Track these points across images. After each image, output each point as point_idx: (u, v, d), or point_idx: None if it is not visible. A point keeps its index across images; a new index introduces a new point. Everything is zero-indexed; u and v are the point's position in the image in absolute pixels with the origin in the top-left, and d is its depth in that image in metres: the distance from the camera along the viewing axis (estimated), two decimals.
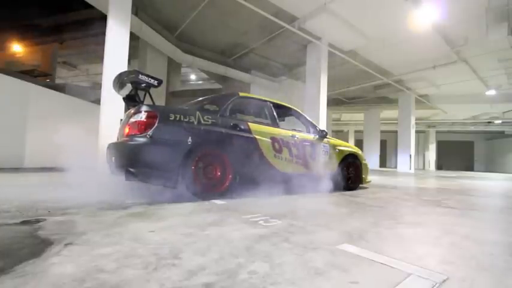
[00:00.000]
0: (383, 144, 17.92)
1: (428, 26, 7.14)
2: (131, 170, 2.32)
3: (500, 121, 18.46)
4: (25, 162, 5.59)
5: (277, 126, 3.36)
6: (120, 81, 2.95)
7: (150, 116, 2.41)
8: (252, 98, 3.47)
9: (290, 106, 3.82)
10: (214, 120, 2.77)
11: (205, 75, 13.29)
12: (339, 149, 3.96)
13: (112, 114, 4.52)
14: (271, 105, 3.49)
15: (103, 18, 5.11)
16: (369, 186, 4.74)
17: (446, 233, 1.72)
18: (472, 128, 21.70)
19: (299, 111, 3.92)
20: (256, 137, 3.03)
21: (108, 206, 2.07)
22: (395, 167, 15.25)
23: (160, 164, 2.35)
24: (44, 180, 3.38)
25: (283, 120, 3.94)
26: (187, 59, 9.65)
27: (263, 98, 3.51)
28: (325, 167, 3.70)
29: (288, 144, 3.31)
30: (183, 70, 12.55)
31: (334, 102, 15.37)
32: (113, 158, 2.59)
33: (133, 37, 6.52)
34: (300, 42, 8.16)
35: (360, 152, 4.38)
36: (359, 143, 16.38)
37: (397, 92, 12.91)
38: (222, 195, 2.71)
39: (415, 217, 2.25)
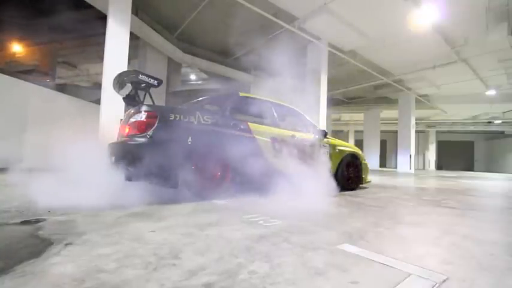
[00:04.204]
0: (383, 144, 17.88)
1: (428, 26, 7.13)
2: (131, 170, 2.32)
3: (500, 121, 18.45)
4: (24, 162, 5.58)
5: (277, 126, 3.36)
6: (120, 81, 2.95)
7: (150, 116, 2.41)
8: (252, 97, 3.47)
9: (290, 106, 3.82)
10: (214, 120, 2.77)
11: (205, 75, 13.28)
12: (338, 149, 3.96)
13: (112, 114, 4.52)
14: (271, 105, 3.49)
15: (103, 18, 5.11)
16: (369, 186, 4.74)
17: (446, 233, 1.72)
18: (472, 128, 21.67)
19: (299, 111, 3.92)
20: (256, 137, 3.03)
21: (108, 206, 2.07)
22: (396, 167, 15.23)
23: (160, 164, 2.35)
24: (44, 180, 3.37)
25: (284, 120, 3.94)
26: (187, 59, 9.63)
27: (263, 98, 3.51)
28: (325, 167, 3.69)
29: (288, 144, 3.31)
30: (183, 70, 12.54)
31: (334, 102, 15.36)
32: (113, 157, 2.59)
33: (133, 37, 6.51)
34: (300, 42, 8.15)
35: (360, 152, 4.38)
36: (359, 143, 16.36)
37: (397, 92, 12.90)
38: (222, 195, 2.71)
39: (415, 217, 2.25)
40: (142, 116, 2.41)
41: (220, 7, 7.28)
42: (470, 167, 23.92)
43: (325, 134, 3.79)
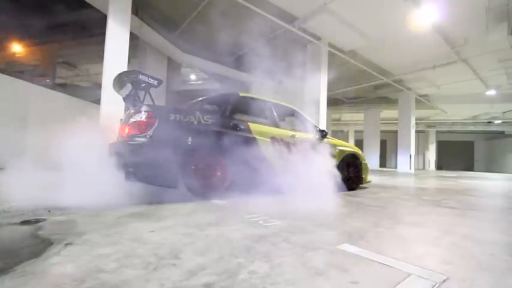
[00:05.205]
0: (383, 144, 17.87)
1: (428, 26, 7.13)
2: (131, 170, 2.32)
3: (500, 121, 18.45)
4: (23, 162, 5.55)
5: (277, 126, 3.36)
6: (120, 81, 2.95)
7: (150, 116, 2.41)
8: (252, 97, 3.47)
9: (290, 106, 3.82)
10: (214, 120, 2.77)
11: (205, 75, 13.29)
12: (338, 149, 3.96)
13: (112, 114, 4.52)
14: (272, 105, 3.49)
15: (103, 18, 5.11)
16: (369, 186, 4.74)
17: (446, 233, 1.72)
18: (472, 128, 21.66)
19: (299, 111, 3.92)
20: (256, 137, 3.03)
21: (107, 206, 2.07)
22: (396, 167, 15.24)
23: (160, 164, 2.35)
24: (43, 180, 3.37)
25: (284, 120, 3.94)
26: (187, 59, 9.63)
27: (263, 98, 3.51)
28: (325, 167, 3.69)
29: (288, 144, 3.31)
30: (183, 70, 12.55)
31: (334, 102, 15.36)
32: (113, 157, 2.59)
33: (133, 37, 6.51)
34: (300, 42, 8.15)
35: (360, 152, 4.38)
36: (359, 143, 16.36)
37: (397, 92, 12.90)
38: (221, 195, 2.71)
39: (415, 217, 2.25)
40: (142, 116, 2.42)
41: (221, 7, 7.28)
42: (470, 167, 23.91)
43: (325, 134, 3.79)
